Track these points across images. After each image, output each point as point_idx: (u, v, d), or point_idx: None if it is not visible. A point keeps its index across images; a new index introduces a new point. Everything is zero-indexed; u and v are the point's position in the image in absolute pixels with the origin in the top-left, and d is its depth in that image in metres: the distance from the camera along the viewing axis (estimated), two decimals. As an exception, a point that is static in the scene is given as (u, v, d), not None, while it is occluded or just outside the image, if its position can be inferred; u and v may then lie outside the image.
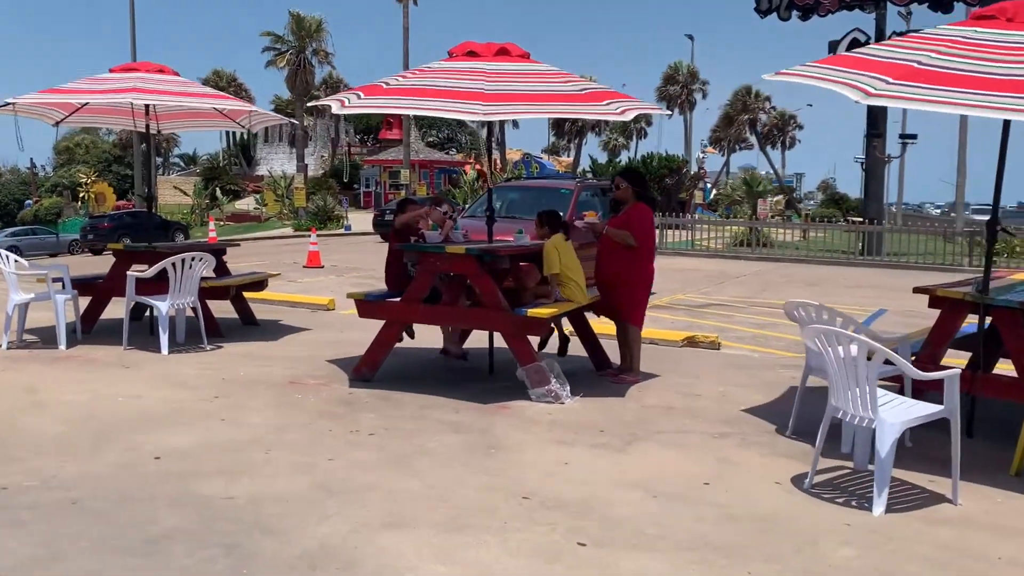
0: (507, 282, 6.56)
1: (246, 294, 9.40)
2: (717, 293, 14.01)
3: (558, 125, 62.21)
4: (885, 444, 4.08)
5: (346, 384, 6.44)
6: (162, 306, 7.45)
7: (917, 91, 4.60)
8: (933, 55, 4.82)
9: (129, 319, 7.84)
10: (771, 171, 59.52)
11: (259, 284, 9.33)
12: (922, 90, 4.59)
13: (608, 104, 6.16)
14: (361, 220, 36.91)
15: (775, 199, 32.45)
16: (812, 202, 66.10)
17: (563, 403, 5.94)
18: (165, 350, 7.44)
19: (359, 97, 6.30)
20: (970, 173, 29.58)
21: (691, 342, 8.85)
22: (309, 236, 18.31)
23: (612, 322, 6.95)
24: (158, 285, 7.61)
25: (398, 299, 6.49)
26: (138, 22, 38.47)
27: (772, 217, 28.70)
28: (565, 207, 11.72)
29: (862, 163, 26.60)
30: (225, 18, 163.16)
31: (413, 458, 4.73)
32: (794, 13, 25.15)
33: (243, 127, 9.66)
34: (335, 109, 6.20)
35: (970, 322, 5.56)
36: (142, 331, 8.39)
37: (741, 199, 29.84)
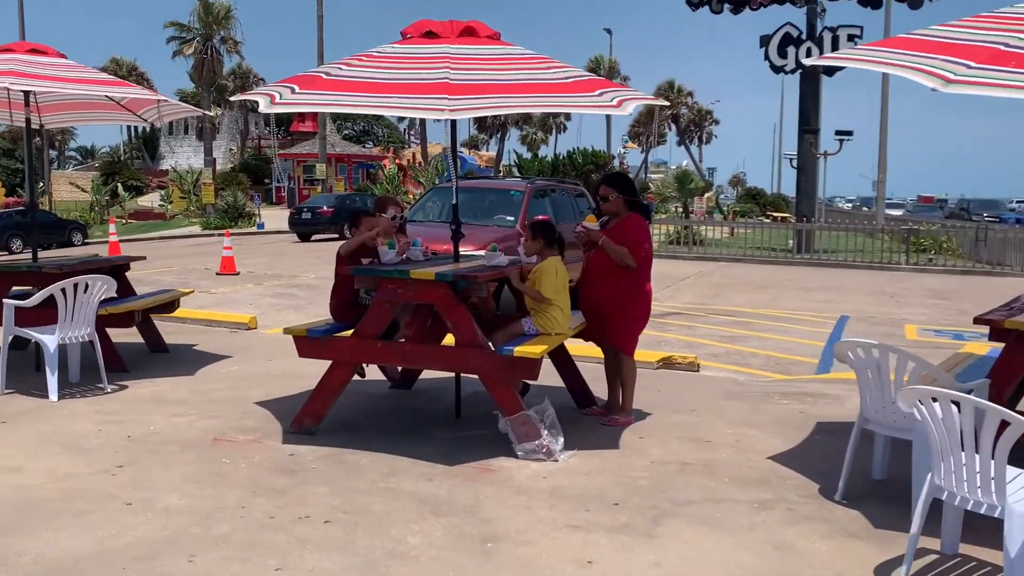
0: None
1: (154, 316, 8.03)
2: (668, 299, 13.18)
3: (480, 119, 60.99)
4: (1017, 542, 3.15)
5: (284, 439, 5.23)
6: (49, 341, 6.06)
7: (1009, 76, 3.75)
8: (1020, 36, 3.97)
9: (7, 354, 6.41)
10: (691, 166, 59.84)
11: (170, 305, 7.97)
12: (1014, 75, 3.75)
13: (600, 95, 5.11)
14: (275, 217, 35.05)
15: (707, 196, 32.10)
16: (724, 196, 66.77)
17: (556, 460, 4.88)
18: (54, 395, 6.05)
19: (293, 91, 5.08)
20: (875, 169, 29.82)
21: (668, 363, 7.93)
22: (218, 235, 16.74)
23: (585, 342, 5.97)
24: (45, 312, 6.21)
25: (349, 334, 5.31)
26: (27, 5, 35.63)
27: (707, 215, 28.29)
28: (515, 211, 10.65)
29: (791, 160, 26.31)
30: (126, 3, 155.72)
31: (392, 565, 3.59)
32: (726, 6, 24.70)
33: (146, 121, 8.23)
34: (263, 107, 4.95)
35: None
36: (25, 365, 6.96)
37: (672, 196, 29.30)
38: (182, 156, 55.22)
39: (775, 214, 45.99)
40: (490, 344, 5.09)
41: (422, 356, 5.12)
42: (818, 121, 24.63)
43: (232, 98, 5.72)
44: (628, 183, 6.00)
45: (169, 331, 8.91)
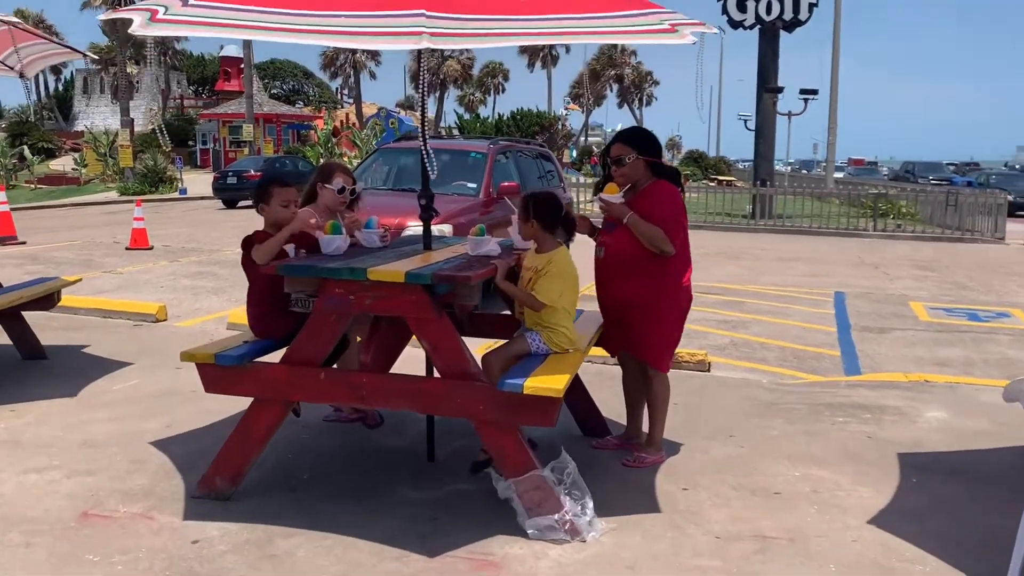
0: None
1: (30, 312, 6.28)
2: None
3: (417, 77, 58.48)
4: None
5: (187, 511, 3.63)
6: None
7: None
8: None
9: None
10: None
11: (46, 300, 6.21)
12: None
13: (649, 17, 3.54)
14: (198, 181, 32.64)
15: (666, 160, 30.78)
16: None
17: (585, 540, 3.40)
18: None
19: (186, 3, 3.35)
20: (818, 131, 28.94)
21: (672, 362, 6.49)
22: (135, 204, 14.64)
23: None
24: None
25: (279, 358, 3.71)
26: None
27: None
28: (477, 176, 9.05)
29: (745, 121, 25.13)
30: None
31: None
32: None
33: (11, 69, 6.35)
34: (137, 25, 3.22)
35: None
36: None
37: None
38: (99, 117, 51.58)
39: (720, 178, 45.14)
40: (480, 368, 3.55)
41: (387, 392, 3.51)
42: (776, 79, 23.43)
43: (101, 17, 3.93)
44: (651, 141, 4.45)
45: (55, 327, 7.15)
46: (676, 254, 4.22)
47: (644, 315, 4.25)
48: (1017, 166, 66.35)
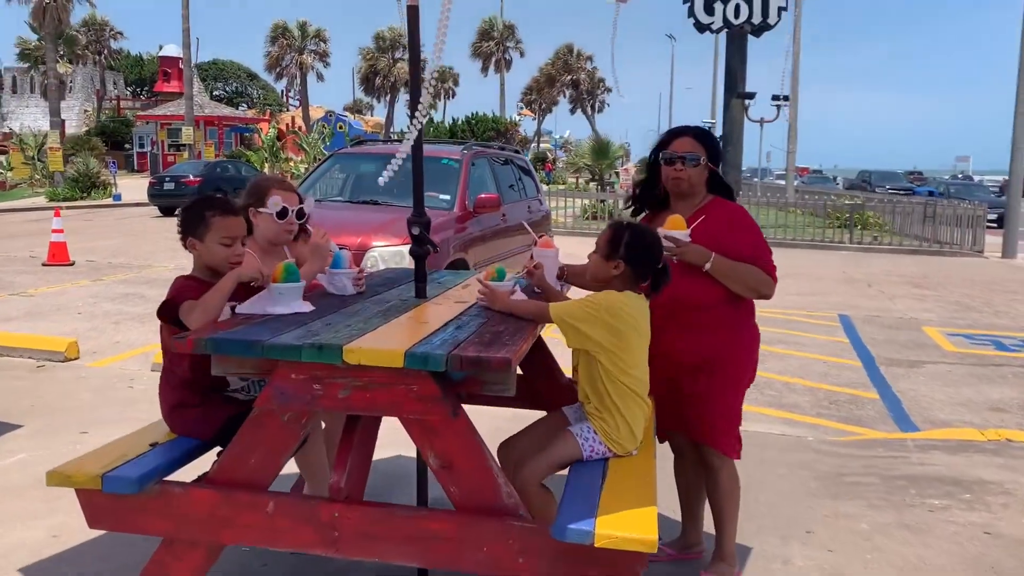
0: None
1: None
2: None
3: (367, 80, 56.80)
4: None
5: None
6: None
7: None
8: None
9: None
10: (573, 136, 57.76)
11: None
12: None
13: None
14: (134, 187, 30.69)
15: (631, 166, 29.88)
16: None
17: None
18: None
19: None
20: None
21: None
22: (65, 208, 12.98)
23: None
24: None
25: (207, 475, 2.45)
26: None
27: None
28: (450, 186, 7.81)
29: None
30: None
31: None
32: (649, -45, 22.30)
33: None
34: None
35: None
36: None
37: (585, 166, 26.89)
38: (29, 117, 48.90)
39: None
40: (516, 497, 2.32)
41: (374, 535, 2.26)
42: (745, 85, 22.60)
43: None
44: (719, 147, 3.31)
45: (-71, 373, 5.74)
46: (750, 300, 3.15)
47: (715, 381, 3.11)
48: (960, 175, 67.32)
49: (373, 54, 56.75)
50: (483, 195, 7.69)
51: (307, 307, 2.64)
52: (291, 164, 33.72)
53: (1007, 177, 19.10)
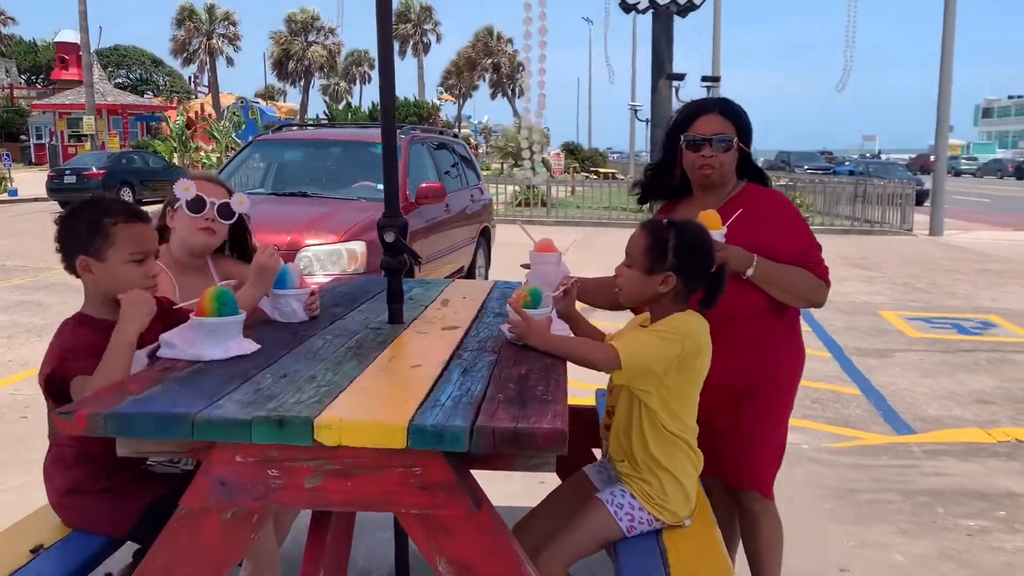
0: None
1: None
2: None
3: (280, 64, 54.75)
4: None
5: None
6: None
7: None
8: None
9: None
10: (492, 121, 57.03)
11: None
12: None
13: None
14: (32, 181, 28.70)
15: (556, 151, 29.33)
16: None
17: None
18: None
19: None
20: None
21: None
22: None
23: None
24: None
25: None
26: None
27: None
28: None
29: (636, 111, 24.03)
30: None
31: None
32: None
33: None
34: None
35: None
36: None
37: (512, 152, 26.25)
38: (-89, 108, 45.59)
39: (600, 170, 44.32)
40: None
41: None
42: (672, 66, 22.31)
43: None
44: (750, 124, 2.71)
45: None
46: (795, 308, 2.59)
47: (759, 412, 2.54)
48: (868, 154, 69.29)
49: (285, 37, 54.80)
50: (425, 184, 6.99)
51: (250, 346, 1.94)
52: (202, 153, 32.09)
53: (912, 155, 19.32)
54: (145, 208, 2.20)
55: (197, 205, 2.38)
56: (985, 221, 21.44)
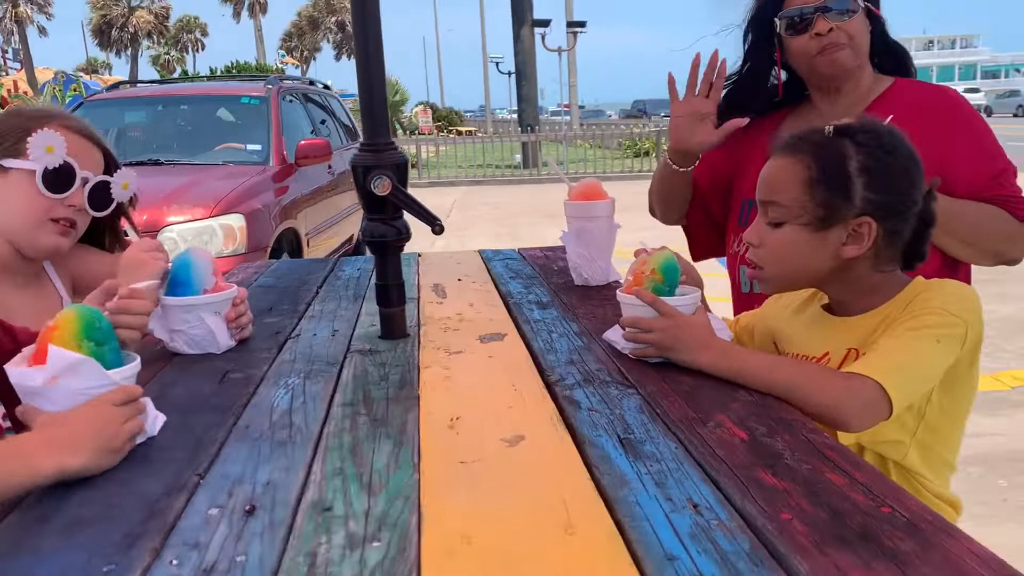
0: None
1: None
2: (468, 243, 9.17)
3: (101, 33, 50.08)
4: None
5: None
6: None
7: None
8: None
9: None
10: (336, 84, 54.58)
11: None
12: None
13: None
14: None
15: (417, 110, 27.96)
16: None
17: None
18: None
19: None
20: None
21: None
22: None
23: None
24: None
25: None
26: None
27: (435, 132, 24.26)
28: (258, 133, 5.87)
29: (498, 64, 23.16)
30: None
31: None
32: None
33: None
34: None
35: None
36: None
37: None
38: None
39: (461, 128, 43.25)
40: None
41: None
42: (533, 12, 21.50)
43: None
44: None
45: None
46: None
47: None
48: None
49: (103, 2, 50.16)
50: (305, 141, 5.84)
51: (153, 423, 0.95)
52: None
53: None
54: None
55: (61, 179, 1.33)
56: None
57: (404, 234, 1.29)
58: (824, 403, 1.05)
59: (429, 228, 1.30)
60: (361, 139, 1.34)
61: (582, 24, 20.64)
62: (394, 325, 1.32)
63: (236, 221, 4.84)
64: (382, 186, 1.22)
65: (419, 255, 2.18)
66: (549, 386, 1.10)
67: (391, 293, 1.31)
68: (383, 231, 1.27)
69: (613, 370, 1.16)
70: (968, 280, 1.78)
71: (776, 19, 1.73)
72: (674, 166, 1.79)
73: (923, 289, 1.18)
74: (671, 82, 1.75)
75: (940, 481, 1.20)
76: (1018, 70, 73.83)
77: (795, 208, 1.19)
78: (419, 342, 1.32)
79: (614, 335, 1.26)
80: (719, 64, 1.71)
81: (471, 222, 11.77)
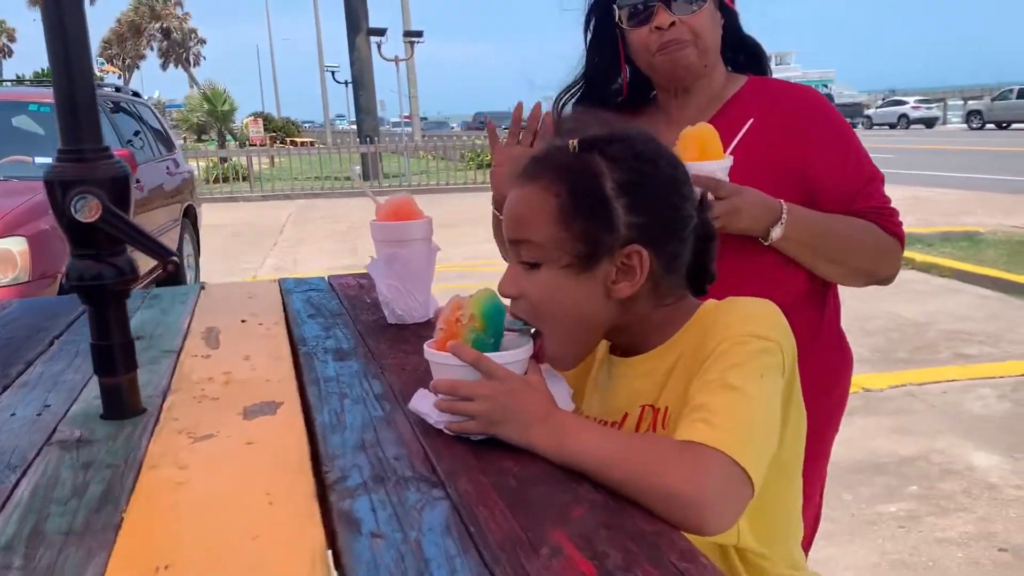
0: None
1: None
2: (308, 266, 8.67)
3: None
4: None
5: None
6: None
7: None
8: None
9: None
10: (163, 96, 51.98)
11: None
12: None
13: None
14: None
15: (248, 120, 26.68)
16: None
17: None
18: None
19: None
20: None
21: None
22: None
23: None
24: None
25: None
26: None
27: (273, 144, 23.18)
28: (48, 146, 5.21)
29: (333, 73, 22.63)
30: None
31: None
32: None
33: None
34: None
35: None
36: None
37: (203, 122, 23.42)
38: None
39: (297, 139, 41.97)
40: None
41: None
42: (368, 22, 21.06)
43: None
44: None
45: None
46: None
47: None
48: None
49: None
50: (107, 153, 5.23)
51: None
52: None
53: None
54: None
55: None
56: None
57: (128, 273, 0.93)
58: (666, 483, 0.77)
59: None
60: (59, 145, 0.97)
61: (419, 34, 20.38)
62: (120, 400, 0.96)
63: (15, 244, 4.20)
64: (88, 209, 0.87)
65: (202, 286, 1.79)
66: (324, 492, 0.78)
67: (114, 356, 0.95)
68: (96, 271, 0.91)
69: (418, 456, 0.85)
70: (837, 299, 1.60)
71: (615, 6, 1.50)
72: (500, 215, 1.53)
73: (718, 314, 0.95)
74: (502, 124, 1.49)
75: (782, 554, 0.97)
76: (825, 85, 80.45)
77: (550, 248, 0.93)
78: (157, 422, 0.96)
79: (423, 405, 0.95)
80: (542, 116, 1.45)
81: (305, 238, 11.21)
